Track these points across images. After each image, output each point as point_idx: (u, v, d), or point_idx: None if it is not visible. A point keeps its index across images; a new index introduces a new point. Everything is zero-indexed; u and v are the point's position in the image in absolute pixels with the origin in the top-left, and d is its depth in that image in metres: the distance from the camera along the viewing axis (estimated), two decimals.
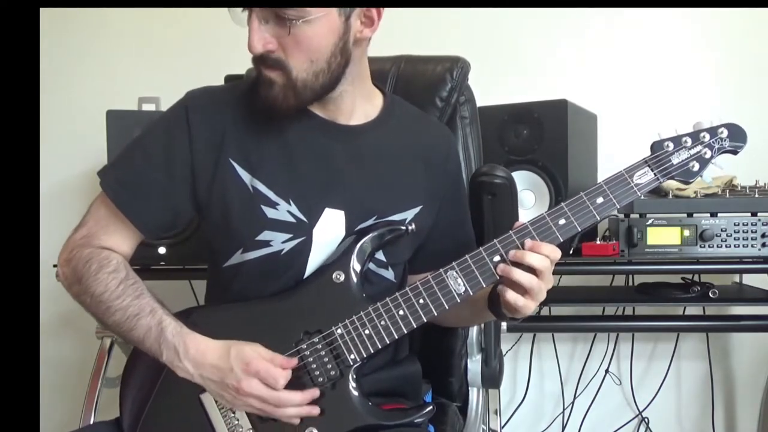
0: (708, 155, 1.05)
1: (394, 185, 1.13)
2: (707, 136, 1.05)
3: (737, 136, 1.05)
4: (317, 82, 1.02)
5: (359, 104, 1.12)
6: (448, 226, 1.21)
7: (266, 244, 1.06)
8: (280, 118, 1.07)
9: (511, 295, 1.00)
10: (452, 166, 1.25)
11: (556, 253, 1.01)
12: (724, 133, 1.05)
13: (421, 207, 1.15)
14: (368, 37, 1.06)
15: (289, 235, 1.07)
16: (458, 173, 1.28)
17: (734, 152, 1.06)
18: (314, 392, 1.01)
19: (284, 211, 1.07)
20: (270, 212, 1.06)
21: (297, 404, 1.00)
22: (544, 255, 1.00)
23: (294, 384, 1.01)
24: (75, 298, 1.08)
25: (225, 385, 0.99)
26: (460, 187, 1.28)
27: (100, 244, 1.08)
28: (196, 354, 1.00)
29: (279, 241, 1.06)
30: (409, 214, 1.14)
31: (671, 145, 1.05)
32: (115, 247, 1.09)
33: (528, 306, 1.01)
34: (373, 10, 1.03)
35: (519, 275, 0.99)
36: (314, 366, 1.03)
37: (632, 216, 1.62)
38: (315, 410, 1.01)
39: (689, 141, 1.05)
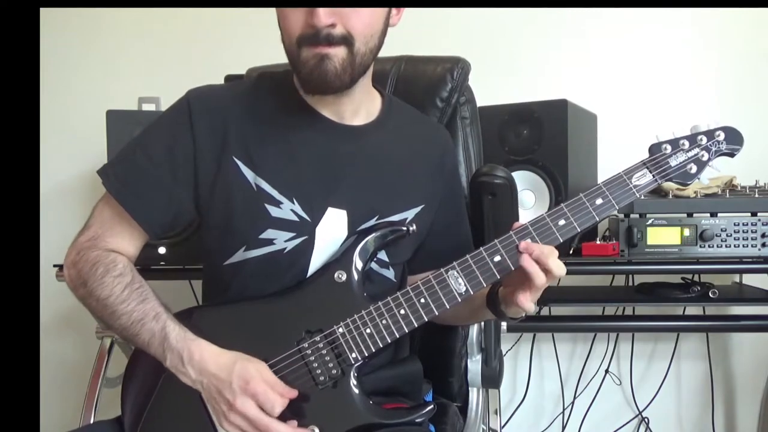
0: (705, 158, 1.05)
1: (395, 185, 1.14)
2: (704, 139, 1.05)
3: (734, 138, 1.06)
4: (370, 58, 1.05)
5: (365, 101, 1.13)
6: (446, 226, 1.22)
7: (269, 242, 1.07)
8: (284, 116, 1.09)
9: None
10: (450, 166, 1.26)
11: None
12: (721, 135, 1.06)
13: (422, 207, 1.15)
14: (394, 25, 1.09)
15: (292, 234, 1.07)
16: (456, 173, 1.29)
17: (731, 155, 1.07)
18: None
19: (288, 209, 1.07)
20: (274, 211, 1.06)
21: None
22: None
23: (295, 383, 1.01)
24: (81, 301, 1.08)
25: (220, 396, 0.98)
26: (457, 187, 1.29)
27: (107, 246, 1.08)
28: (200, 360, 1.00)
29: (282, 240, 1.07)
30: (410, 214, 1.14)
31: (669, 148, 1.05)
32: (121, 249, 1.08)
33: (528, 302, 1.01)
34: None
35: (551, 262, 0.98)
36: (316, 365, 1.03)
37: (632, 216, 1.63)
38: None
39: (687, 144, 1.05)
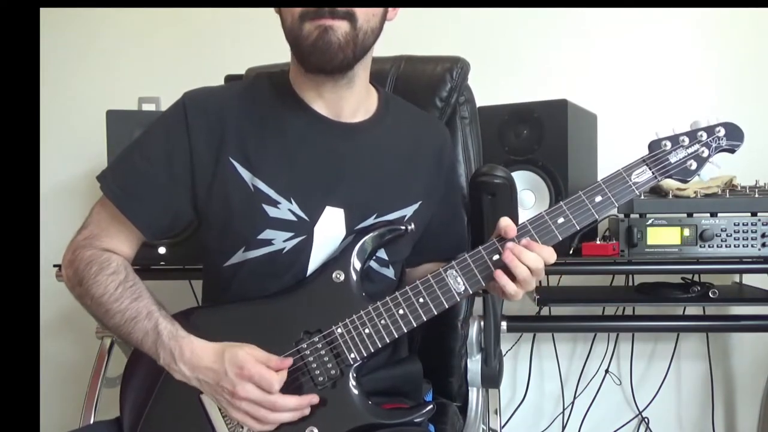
0: (705, 154, 1.05)
1: (393, 183, 1.14)
2: (704, 135, 1.05)
3: (734, 134, 1.06)
4: (371, 38, 1.06)
5: (362, 98, 1.13)
6: (443, 220, 1.23)
7: (268, 242, 1.07)
8: (281, 115, 1.09)
9: (505, 281, 1.02)
10: (448, 161, 1.26)
11: (552, 257, 1.02)
12: (722, 131, 1.05)
13: (420, 203, 1.16)
14: (391, 19, 1.10)
15: (291, 234, 1.07)
16: (454, 168, 1.30)
17: (731, 151, 1.06)
18: (312, 398, 1.01)
19: (285, 209, 1.07)
20: (271, 211, 1.06)
21: (292, 409, 0.99)
22: (539, 255, 1.01)
23: (294, 383, 1.01)
24: (77, 300, 1.08)
25: (220, 388, 0.99)
26: (455, 182, 1.30)
27: (102, 246, 1.08)
28: (192, 357, 1.00)
29: (281, 240, 1.07)
30: (408, 211, 1.14)
31: (669, 144, 1.05)
32: (116, 249, 1.09)
33: (518, 294, 1.03)
34: None
35: (518, 269, 1.00)
36: (314, 365, 1.03)
37: (632, 216, 1.62)
38: (307, 412, 1.01)
39: (687, 140, 1.05)
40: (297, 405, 1.00)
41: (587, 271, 1.83)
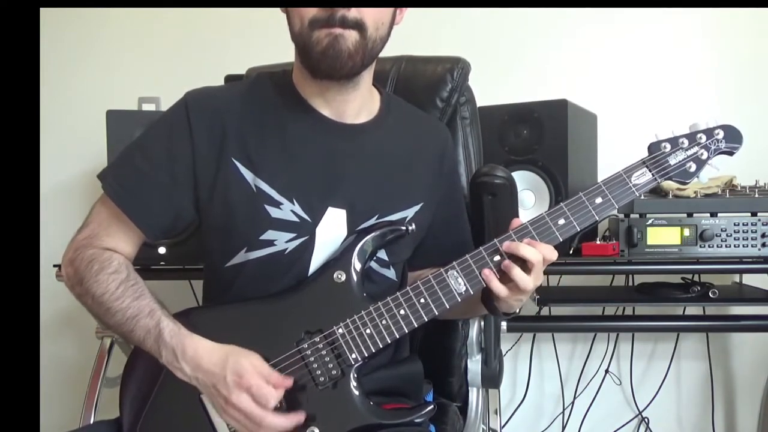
0: (705, 156, 1.06)
1: (395, 183, 1.14)
2: (704, 138, 1.06)
3: (733, 137, 1.06)
4: (379, 45, 1.06)
5: (366, 99, 1.14)
6: (445, 223, 1.22)
7: (270, 243, 1.07)
8: (283, 115, 1.09)
9: (496, 284, 1.02)
10: (449, 162, 1.26)
11: (553, 255, 1.02)
12: (720, 134, 1.06)
13: (421, 205, 1.16)
14: (398, 23, 1.11)
15: (293, 235, 1.07)
16: (455, 169, 1.29)
17: (730, 153, 1.07)
18: (300, 417, 1.00)
19: (288, 210, 1.07)
20: (274, 212, 1.06)
21: (276, 429, 0.98)
22: (538, 251, 1.01)
23: (295, 384, 1.01)
24: (77, 299, 1.08)
25: (216, 390, 0.99)
26: (456, 184, 1.30)
27: (103, 245, 1.08)
28: (194, 356, 1.00)
29: (283, 241, 1.07)
30: (410, 212, 1.14)
31: (668, 146, 1.05)
32: (117, 248, 1.08)
33: (517, 297, 1.02)
34: None
35: (522, 250, 1.01)
36: (315, 366, 1.03)
37: (632, 216, 1.63)
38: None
39: (686, 142, 1.05)
40: (284, 426, 0.99)
41: (587, 271, 1.83)
